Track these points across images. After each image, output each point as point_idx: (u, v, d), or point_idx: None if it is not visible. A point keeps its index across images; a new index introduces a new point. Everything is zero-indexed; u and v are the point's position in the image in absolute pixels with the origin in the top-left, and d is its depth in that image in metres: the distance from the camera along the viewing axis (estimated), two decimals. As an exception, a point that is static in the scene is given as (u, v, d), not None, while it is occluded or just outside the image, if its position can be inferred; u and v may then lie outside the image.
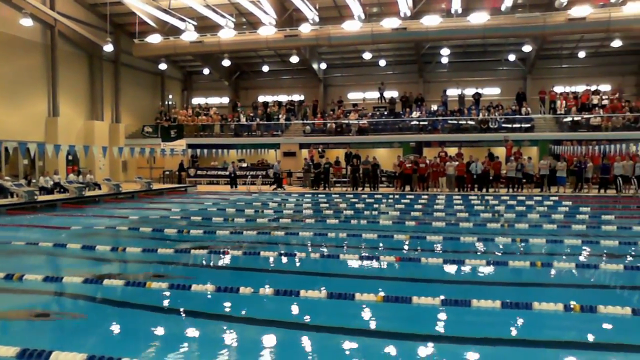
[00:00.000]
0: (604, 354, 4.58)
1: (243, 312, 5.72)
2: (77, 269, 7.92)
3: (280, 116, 32.97)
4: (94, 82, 30.76)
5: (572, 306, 5.58)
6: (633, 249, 9.24)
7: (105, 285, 6.63)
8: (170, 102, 37.71)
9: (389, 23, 26.58)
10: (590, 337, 5.05)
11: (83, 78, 30.34)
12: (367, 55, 32.13)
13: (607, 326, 5.29)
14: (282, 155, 30.61)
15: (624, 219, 13.95)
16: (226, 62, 32.73)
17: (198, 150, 30.78)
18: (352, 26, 27.08)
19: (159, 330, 5.21)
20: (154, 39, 28.96)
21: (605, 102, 29.58)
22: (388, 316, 5.58)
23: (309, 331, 5.05)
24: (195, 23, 28.74)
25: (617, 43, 28.37)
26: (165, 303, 6.06)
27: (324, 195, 21.26)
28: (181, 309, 5.75)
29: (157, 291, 6.32)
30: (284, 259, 8.64)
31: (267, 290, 6.23)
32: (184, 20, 27.94)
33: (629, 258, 8.63)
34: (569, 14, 24.72)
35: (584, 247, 9.26)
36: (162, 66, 33.18)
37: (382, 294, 5.99)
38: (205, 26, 29.48)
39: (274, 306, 5.88)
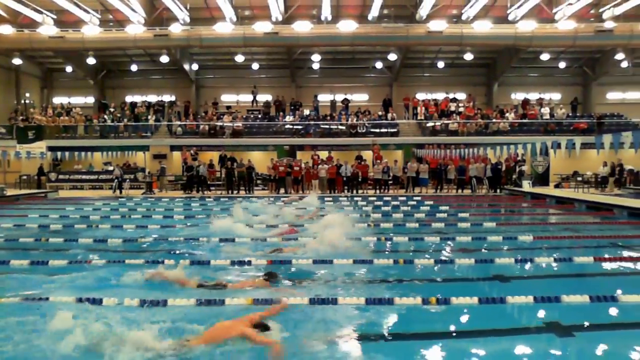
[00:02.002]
0: (460, 342, 5.05)
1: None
2: None
3: (149, 117, 31.75)
4: None
5: (429, 300, 6.06)
6: (485, 244, 10.14)
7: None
8: (27, 101, 34.62)
9: (261, 27, 26.80)
10: (452, 327, 5.55)
11: None
12: (239, 58, 32.05)
13: (463, 317, 5.81)
14: (151, 158, 29.52)
15: (478, 216, 15.31)
16: (91, 60, 30.93)
17: (59, 153, 28.67)
18: (223, 28, 26.92)
19: None
20: (5, 30, 26.51)
21: (461, 109, 32.23)
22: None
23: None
24: (54, 16, 26.80)
25: (469, 56, 31.13)
26: None
27: (197, 200, 20.84)
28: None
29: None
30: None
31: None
32: (40, 12, 25.92)
33: (483, 251, 9.47)
34: (428, 27, 26.59)
35: (442, 244, 10.04)
36: (17, 61, 30.49)
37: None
38: (67, 21, 27.62)
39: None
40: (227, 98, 35.87)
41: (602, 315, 5.77)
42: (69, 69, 33.54)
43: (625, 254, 9.15)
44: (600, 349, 4.91)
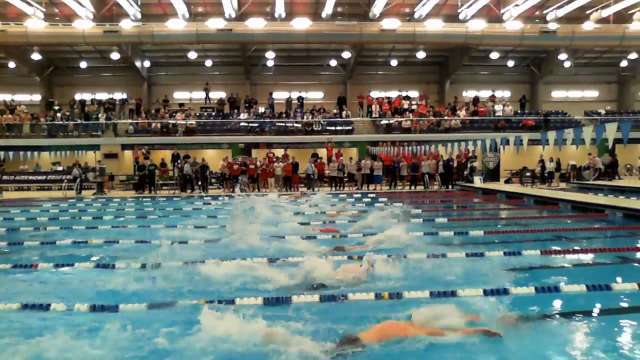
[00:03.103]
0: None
1: None
2: None
3: (100, 115, 30.91)
4: None
5: (382, 295, 6.16)
6: (435, 238, 10.36)
7: None
8: (-35, 98, 33.07)
9: (214, 23, 26.50)
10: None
11: None
12: (192, 55, 31.62)
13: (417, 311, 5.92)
14: (102, 157, 28.77)
15: (431, 212, 15.63)
16: (36, 56, 29.83)
17: (3, 153, 27.57)
18: (176, 24, 26.50)
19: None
20: None
21: (414, 107, 32.76)
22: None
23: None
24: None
25: (421, 54, 31.67)
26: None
27: (149, 200, 20.46)
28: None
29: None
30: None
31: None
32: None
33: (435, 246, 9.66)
34: (381, 25, 26.89)
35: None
36: (-46, 56, 29.11)
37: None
38: (9, 14, 26.55)
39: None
40: (179, 95, 35.30)
41: (547, 306, 5.97)
42: (11, 64, 32.11)
43: (570, 246, 9.54)
44: (546, 338, 5.09)
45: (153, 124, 30.21)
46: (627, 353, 4.47)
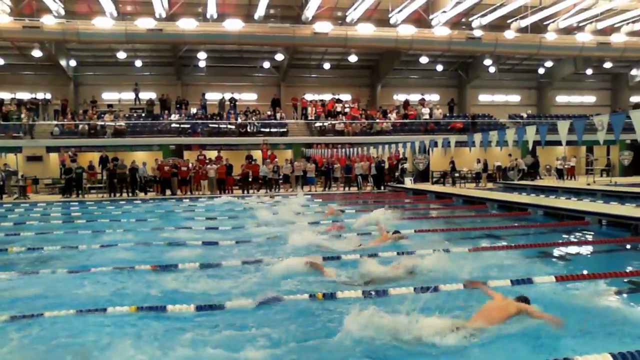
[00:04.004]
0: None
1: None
2: None
3: (21, 116, 29.35)
4: None
5: (316, 295, 6.24)
6: (367, 238, 10.56)
7: None
8: None
9: (144, 23, 25.81)
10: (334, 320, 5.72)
11: None
12: (121, 55, 30.65)
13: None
14: (25, 160, 27.40)
15: (363, 212, 15.90)
16: (-56, 52, 27.92)
17: None
18: (103, 23, 25.58)
19: None
20: None
21: (347, 109, 33.25)
22: None
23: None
24: None
25: (353, 58, 32.22)
26: None
27: (76, 204, 19.67)
28: None
29: None
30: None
31: None
32: None
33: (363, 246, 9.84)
34: (314, 28, 27.10)
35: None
36: None
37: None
38: None
39: None
40: (108, 96, 34.04)
41: (476, 301, 6.23)
42: None
43: (496, 243, 10.00)
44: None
45: (80, 126, 29.02)
46: (547, 342, 4.76)
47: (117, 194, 22.92)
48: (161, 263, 8.26)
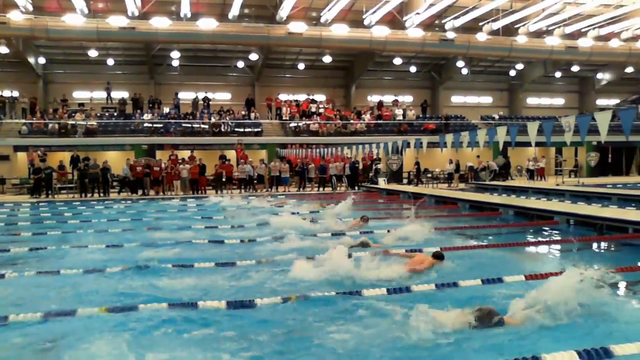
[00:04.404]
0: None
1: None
2: None
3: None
4: None
5: (290, 297, 6.25)
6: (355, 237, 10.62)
7: None
8: None
9: (116, 21, 25.45)
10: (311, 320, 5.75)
11: None
12: (93, 53, 30.18)
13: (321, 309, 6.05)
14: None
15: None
16: None
17: None
18: (74, 20, 25.13)
19: None
20: None
21: (321, 110, 33.31)
22: None
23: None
24: None
25: (328, 59, 32.30)
26: None
27: (45, 204, 19.30)
28: None
29: None
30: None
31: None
32: None
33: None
34: (288, 28, 27.08)
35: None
36: None
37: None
38: None
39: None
40: (79, 95, 33.43)
41: (445, 300, 6.32)
42: None
43: (467, 242, 10.15)
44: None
45: (50, 125, 28.47)
46: (515, 341, 4.86)
47: (89, 194, 22.55)
48: (131, 263, 8.17)
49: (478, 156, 28.00)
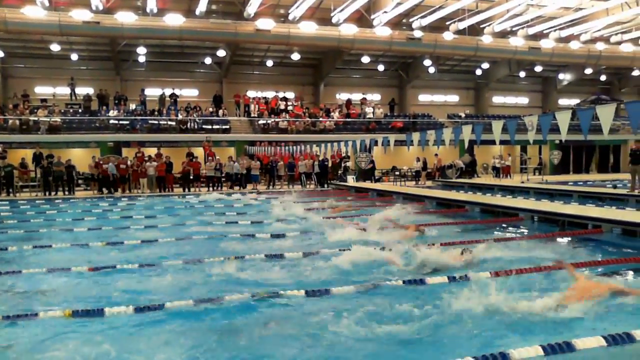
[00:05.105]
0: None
1: None
2: None
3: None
4: None
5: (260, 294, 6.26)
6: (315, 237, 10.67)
7: None
8: None
9: (80, 15, 24.88)
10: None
11: None
12: (55, 47, 29.43)
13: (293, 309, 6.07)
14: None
15: (310, 211, 16.01)
16: None
17: None
18: (34, 12, 24.43)
19: None
20: None
21: (290, 107, 33.26)
22: None
23: None
24: None
25: (296, 56, 32.25)
26: None
27: (6, 203, 18.78)
28: None
29: None
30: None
31: None
32: None
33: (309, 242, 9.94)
34: (256, 25, 26.95)
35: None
36: None
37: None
38: None
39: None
40: (41, 90, 32.56)
41: (411, 297, 6.42)
42: None
43: (434, 240, 10.27)
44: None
45: (10, 121, 27.67)
46: (482, 337, 4.97)
47: (53, 193, 22.04)
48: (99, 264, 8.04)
49: (436, 154, 28.42)
